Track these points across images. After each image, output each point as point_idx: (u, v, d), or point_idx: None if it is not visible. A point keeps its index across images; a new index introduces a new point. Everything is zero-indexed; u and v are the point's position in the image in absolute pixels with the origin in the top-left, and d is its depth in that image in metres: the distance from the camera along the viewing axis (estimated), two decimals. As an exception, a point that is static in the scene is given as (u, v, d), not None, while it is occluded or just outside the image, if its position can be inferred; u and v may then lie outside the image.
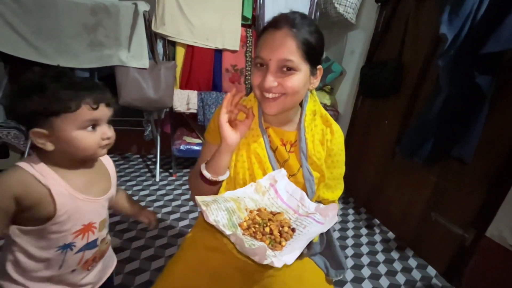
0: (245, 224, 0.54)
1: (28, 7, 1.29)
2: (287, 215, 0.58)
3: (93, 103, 0.51)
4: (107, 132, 0.55)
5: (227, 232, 0.47)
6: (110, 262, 0.69)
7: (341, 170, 0.73)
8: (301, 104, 0.70)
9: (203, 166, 0.64)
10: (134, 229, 1.39)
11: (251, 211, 0.58)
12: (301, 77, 0.58)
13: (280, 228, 0.53)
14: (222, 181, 0.65)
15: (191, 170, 0.75)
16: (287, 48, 0.55)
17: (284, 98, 0.60)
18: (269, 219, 0.55)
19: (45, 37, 1.36)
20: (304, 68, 0.58)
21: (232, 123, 0.63)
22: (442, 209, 1.31)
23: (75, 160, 0.55)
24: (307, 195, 0.65)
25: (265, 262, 0.43)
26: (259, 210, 0.59)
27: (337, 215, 0.56)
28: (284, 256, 0.45)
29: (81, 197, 0.55)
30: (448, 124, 1.14)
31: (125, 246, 1.25)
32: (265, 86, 0.57)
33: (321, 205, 0.59)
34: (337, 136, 0.69)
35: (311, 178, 0.66)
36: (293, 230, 0.54)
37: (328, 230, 0.66)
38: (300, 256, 0.61)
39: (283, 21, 0.56)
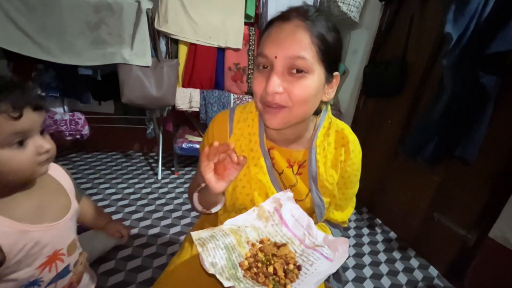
0: (246, 263, 0.48)
1: (32, 4, 1.29)
2: (292, 247, 0.53)
3: (12, 110, 0.37)
4: (43, 145, 0.42)
5: (226, 284, 0.41)
6: (88, 282, 0.62)
7: (354, 189, 0.65)
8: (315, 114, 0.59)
9: (195, 198, 0.58)
10: (136, 226, 1.39)
11: (253, 244, 0.52)
12: (314, 82, 0.47)
13: (285, 267, 0.48)
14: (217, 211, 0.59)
15: (190, 184, 0.70)
16: (298, 42, 0.44)
17: (288, 111, 0.48)
18: (273, 254, 0.50)
19: (49, 34, 1.36)
20: (318, 70, 0.47)
21: (218, 165, 0.50)
22: (445, 210, 1.30)
23: (7, 186, 0.43)
24: (316, 221, 0.59)
25: None
26: (261, 242, 0.53)
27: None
28: None
29: (34, 228, 0.44)
30: (451, 124, 1.13)
31: (127, 243, 1.26)
32: (268, 90, 0.46)
33: (330, 236, 0.52)
34: (353, 156, 0.59)
35: (322, 204, 0.59)
36: (298, 268, 0.48)
37: None
38: None
39: (294, 12, 0.46)
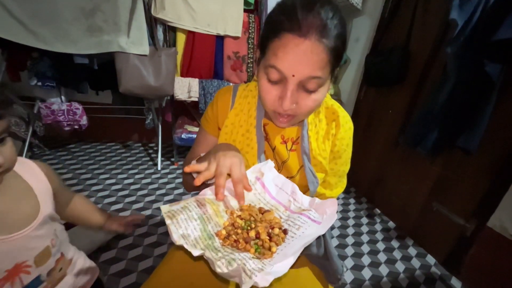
0: (223, 232, 0.43)
1: (24, -10, 1.24)
2: (277, 213, 0.49)
3: None
4: None
5: (195, 252, 0.37)
6: (81, 279, 0.56)
7: (345, 167, 0.65)
8: None
9: (193, 163, 0.56)
10: (136, 216, 1.40)
11: (232, 212, 0.48)
12: (323, 94, 0.49)
13: (270, 230, 0.44)
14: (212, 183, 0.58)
15: (186, 157, 0.70)
16: (316, 63, 0.44)
17: (297, 117, 0.52)
18: (254, 219, 0.46)
19: (43, 21, 1.32)
20: (328, 81, 0.49)
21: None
22: (444, 199, 1.31)
23: None
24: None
25: (245, 286, 0.34)
26: (241, 210, 0.49)
27: (338, 204, 0.47)
28: (275, 265, 0.37)
29: None
30: (454, 113, 1.11)
31: (128, 233, 1.27)
32: (285, 108, 0.47)
33: (316, 199, 0.50)
34: (343, 130, 0.60)
35: (316, 180, 0.59)
36: (285, 231, 0.44)
37: (325, 236, 0.58)
38: None
39: (312, 25, 0.42)
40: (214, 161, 0.48)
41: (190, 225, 0.42)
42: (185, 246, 0.38)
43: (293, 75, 0.45)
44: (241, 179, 0.48)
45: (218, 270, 0.36)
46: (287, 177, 0.58)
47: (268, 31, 0.47)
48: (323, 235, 0.57)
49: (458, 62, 1.05)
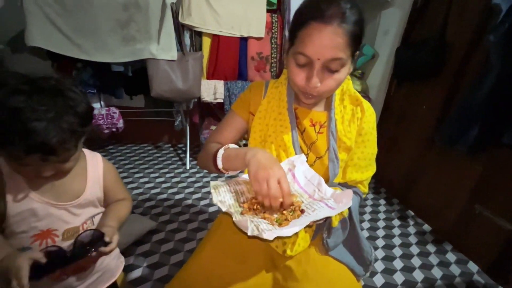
0: (248, 204, 0.55)
1: (68, 7, 1.38)
2: (300, 198, 0.57)
3: (15, 156, 0.43)
4: (42, 172, 0.47)
5: (223, 208, 0.49)
6: (103, 277, 0.62)
7: (373, 150, 0.69)
8: None
9: (220, 153, 0.61)
10: (167, 213, 1.48)
11: None
12: (345, 74, 0.56)
13: (290, 207, 0.53)
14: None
15: (210, 135, 0.75)
16: (338, 47, 0.51)
17: (321, 96, 0.60)
18: None
19: (85, 34, 1.45)
20: (348, 62, 0.55)
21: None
22: (488, 201, 1.20)
23: None
24: (329, 177, 0.64)
25: (250, 233, 0.44)
26: None
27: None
28: (284, 230, 0.46)
29: (38, 199, 0.50)
30: (498, 107, 1.02)
31: (160, 228, 1.35)
32: (311, 85, 0.54)
33: (338, 191, 0.57)
34: (368, 114, 0.66)
35: (336, 161, 0.64)
36: (302, 211, 0.53)
37: (352, 217, 0.64)
38: (314, 235, 0.63)
39: (333, 14, 0.49)
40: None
41: (227, 195, 0.57)
42: (219, 204, 0.52)
43: (318, 59, 0.52)
44: (288, 193, 0.51)
45: (234, 219, 0.49)
46: (316, 158, 0.66)
47: (296, 22, 0.55)
48: (350, 219, 0.64)
49: (502, 51, 0.96)
